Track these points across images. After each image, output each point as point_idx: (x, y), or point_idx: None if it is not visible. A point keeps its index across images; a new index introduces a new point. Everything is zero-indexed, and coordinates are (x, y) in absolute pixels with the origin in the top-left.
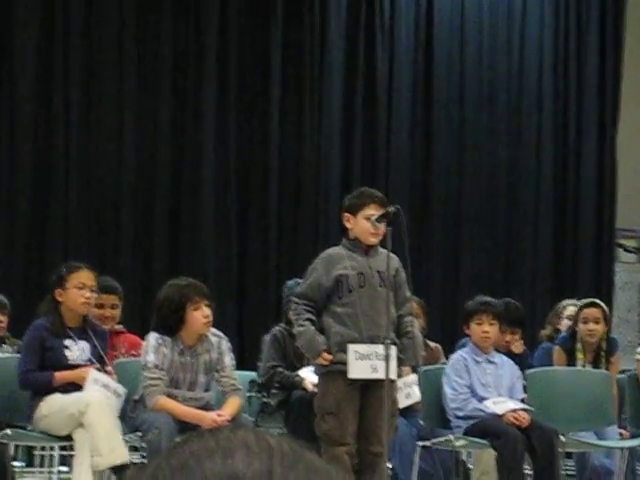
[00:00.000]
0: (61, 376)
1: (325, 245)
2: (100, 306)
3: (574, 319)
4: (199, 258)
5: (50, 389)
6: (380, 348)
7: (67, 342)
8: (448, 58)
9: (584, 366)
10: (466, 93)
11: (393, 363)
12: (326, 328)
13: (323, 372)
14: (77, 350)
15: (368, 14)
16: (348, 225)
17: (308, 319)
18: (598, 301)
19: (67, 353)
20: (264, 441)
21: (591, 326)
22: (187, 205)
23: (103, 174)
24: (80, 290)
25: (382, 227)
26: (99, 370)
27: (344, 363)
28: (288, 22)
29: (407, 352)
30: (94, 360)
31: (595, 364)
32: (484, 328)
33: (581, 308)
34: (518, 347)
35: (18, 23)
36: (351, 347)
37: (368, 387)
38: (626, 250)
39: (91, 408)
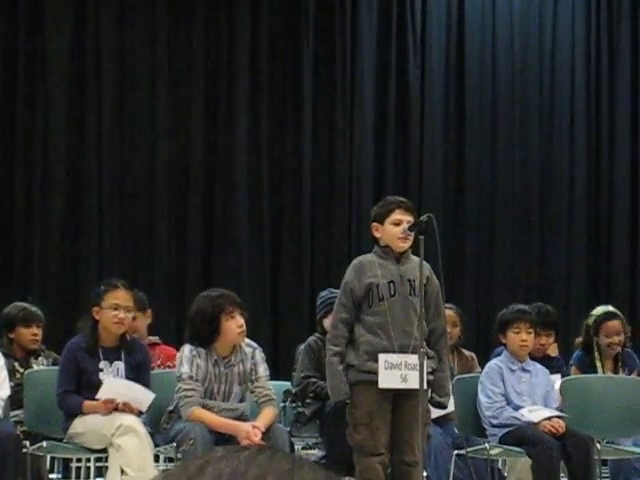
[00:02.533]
0: (89, 406)
1: (358, 256)
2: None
3: (586, 330)
4: (233, 269)
5: (79, 414)
6: (410, 358)
7: (102, 364)
8: (480, 67)
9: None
10: (498, 104)
11: (425, 372)
12: (357, 337)
13: (353, 382)
14: (111, 373)
15: (399, 25)
16: (377, 234)
17: (338, 353)
18: (615, 310)
19: (102, 376)
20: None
21: (615, 339)
22: (220, 217)
23: (137, 188)
24: (114, 310)
25: (411, 234)
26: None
27: (375, 373)
28: (319, 34)
29: (441, 390)
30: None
31: (615, 372)
32: (522, 337)
33: (602, 321)
34: (553, 350)
35: (50, 27)
36: (381, 357)
37: (400, 397)
38: None
39: (122, 430)
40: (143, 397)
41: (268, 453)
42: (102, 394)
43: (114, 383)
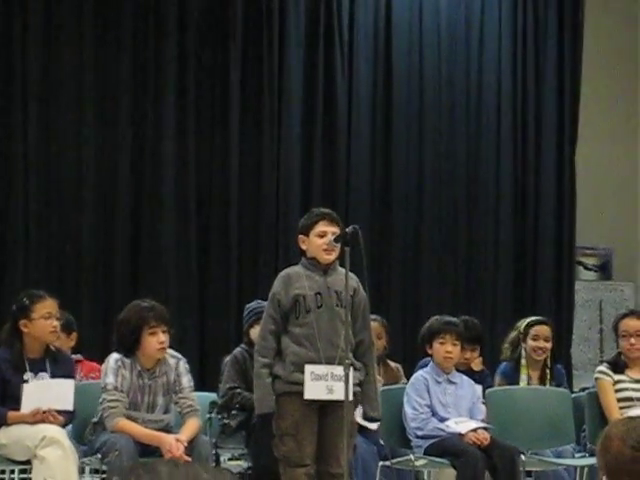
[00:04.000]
0: (13, 416)
1: (285, 268)
2: None
3: (515, 339)
4: (160, 281)
5: (3, 425)
6: (337, 369)
7: (26, 376)
8: (407, 79)
9: (529, 384)
10: (425, 116)
11: (351, 384)
12: (283, 348)
13: (280, 393)
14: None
15: (327, 36)
16: (303, 246)
17: (266, 365)
18: (546, 319)
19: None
20: None
21: (541, 344)
22: (147, 229)
23: (63, 199)
24: (47, 320)
25: (337, 245)
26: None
27: (301, 384)
28: (246, 46)
29: (372, 403)
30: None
31: (542, 382)
32: (447, 348)
33: (531, 325)
34: (477, 364)
35: None
36: (308, 368)
37: (326, 408)
38: (586, 268)
39: (46, 442)
40: (65, 389)
41: (183, 471)
42: (25, 401)
43: (32, 386)
